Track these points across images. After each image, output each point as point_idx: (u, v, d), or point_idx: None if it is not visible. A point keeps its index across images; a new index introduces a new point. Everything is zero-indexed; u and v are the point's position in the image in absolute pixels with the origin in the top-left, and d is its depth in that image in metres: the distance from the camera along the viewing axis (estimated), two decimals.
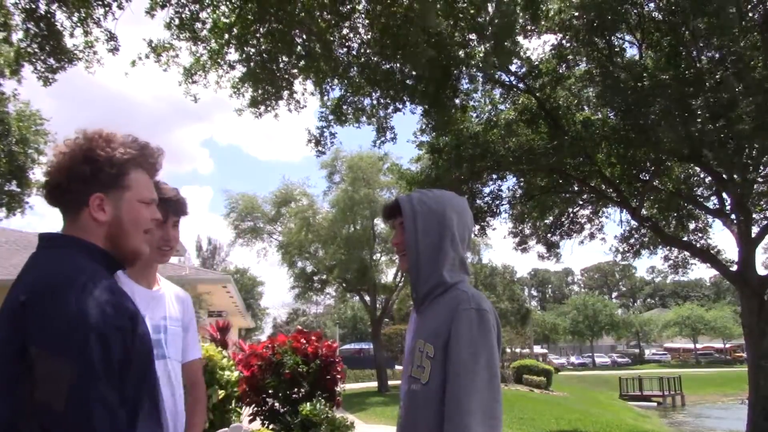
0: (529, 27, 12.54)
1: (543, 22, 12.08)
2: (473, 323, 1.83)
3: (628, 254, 18.79)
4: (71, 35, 9.31)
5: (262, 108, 10.65)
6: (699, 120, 11.49)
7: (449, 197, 2.06)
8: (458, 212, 2.02)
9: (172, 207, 2.59)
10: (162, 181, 2.59)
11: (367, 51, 9.58)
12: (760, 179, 15.24)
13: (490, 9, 9.58)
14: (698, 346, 74.83)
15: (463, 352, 1.80)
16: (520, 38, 12.36)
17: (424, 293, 2.00)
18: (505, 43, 9.78)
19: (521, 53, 13.26)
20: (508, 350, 51.65)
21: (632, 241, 18.38)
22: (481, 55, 11.33)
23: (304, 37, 9.45)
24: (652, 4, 13.08)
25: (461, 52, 9.64)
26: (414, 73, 9.46)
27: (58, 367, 1.40)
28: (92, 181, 1.64)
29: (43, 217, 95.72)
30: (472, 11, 9.34)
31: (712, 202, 16.63)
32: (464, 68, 10.92)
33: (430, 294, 1.98)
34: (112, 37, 9.29)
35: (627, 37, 13.95)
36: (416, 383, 1.89)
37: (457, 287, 1.95)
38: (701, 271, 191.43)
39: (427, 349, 1.88)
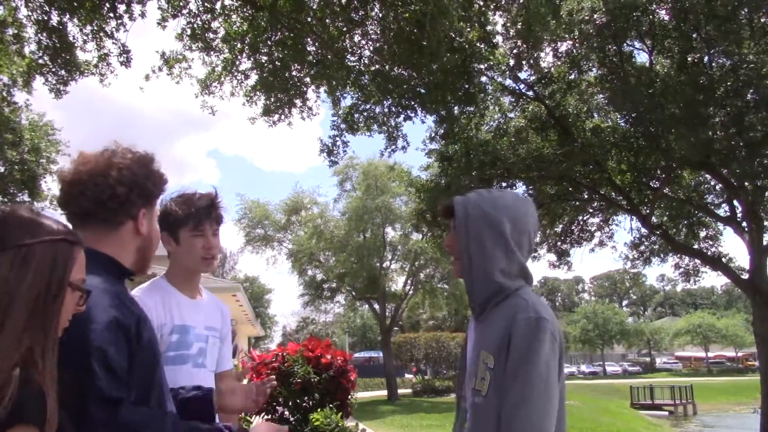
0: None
1: (563, 18, 11.87)
2: (530, 332, 1.75)
3: (638, 262, 18.69)
4: (83, 49, 9.35)
5: (276, 116, 10.62)
6: (710, 127, 11.44)
7: (508, 201, 1.96)
8: (514, 218, 1.91)
9: (211, 216, 2.53)
10: (198, 191, 2.58)
11: (380, 58, 9.53)
12: None
13: None
14: (710, 354, 74.16)
15: (517, 362, 1.73)
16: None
17: (482, 300, 1.92)
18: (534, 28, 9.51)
19: (531, 61, 13.23)
20: None
21: (642, 248, 18.27)
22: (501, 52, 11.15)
23: (317, 45, 9.45)
24: (662, 11, 13.04)
25: (482, 47, 9.44)
26: (426, 80, 9.38)
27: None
28: (148, 196, 1.74)
29: None
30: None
31: (723, 210, 16.54)
32: (481, 67, 10.69)
33: (489, 301, 1.90)
34: (124, 50, 9.30)
35: (637, 44, 13.93)
36: (479, 396, 1.83)
37: (517, 294, 1.87)
38: (712, 279, 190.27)
39: (488, 360, 1.81)
